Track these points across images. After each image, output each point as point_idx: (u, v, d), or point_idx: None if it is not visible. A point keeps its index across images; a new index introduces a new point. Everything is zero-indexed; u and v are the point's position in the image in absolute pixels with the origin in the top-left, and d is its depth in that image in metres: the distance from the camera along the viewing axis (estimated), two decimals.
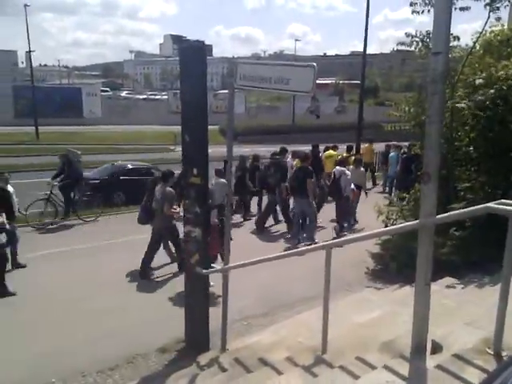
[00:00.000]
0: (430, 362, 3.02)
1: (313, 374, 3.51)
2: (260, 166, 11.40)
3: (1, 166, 18.32)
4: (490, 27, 7.53)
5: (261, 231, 10.14)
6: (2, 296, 6.61)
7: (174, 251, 7.91)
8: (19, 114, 33.82)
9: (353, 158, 11.77)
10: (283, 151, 10.98)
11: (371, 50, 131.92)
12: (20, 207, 8.89)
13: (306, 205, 9.14)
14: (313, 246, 6.87)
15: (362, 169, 10.72)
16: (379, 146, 16.92)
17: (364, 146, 15.32)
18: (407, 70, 72.41)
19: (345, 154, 12.72)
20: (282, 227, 10.38)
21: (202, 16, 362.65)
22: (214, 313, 4.95)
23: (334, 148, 13.24)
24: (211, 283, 5.52)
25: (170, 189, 7.46)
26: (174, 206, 7.50)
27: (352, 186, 9.73)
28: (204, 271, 4.82)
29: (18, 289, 6.74)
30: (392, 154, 14.01)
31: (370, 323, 4.58)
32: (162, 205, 7.33)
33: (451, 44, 6.92)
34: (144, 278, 7.39)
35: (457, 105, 6.82)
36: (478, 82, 6.89)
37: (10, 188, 8.15)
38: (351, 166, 10.44)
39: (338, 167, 9.92)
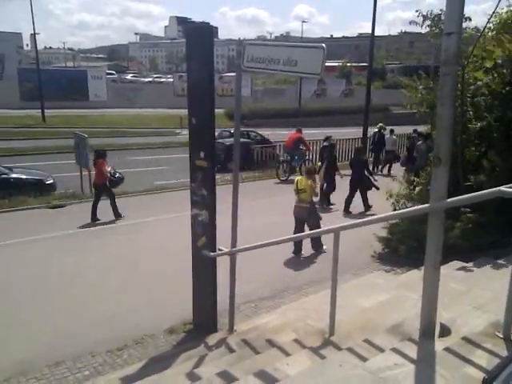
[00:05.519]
0: (439, 344, 3.03)
1: (320, 355, 3.53)
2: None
3: (7, 149, 18.47)
4: (503, 8, 7.33)
5: None
6: None
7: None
8: (25, 96, 33.63)
9: None
10: None
11: (379, 31, 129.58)
12: None
13: None
14: (319, 230, 6.87)
15: None
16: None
17: None
18: (415, 53, 71.18)
19: None
20: None
21: None
22: (222, 295, 4.97)
23: None
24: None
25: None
26: None
27: None
28: (211, 254, 4.83)
29: None
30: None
31: (378, 306, 4.59)
32: (424, 154, 10.55)
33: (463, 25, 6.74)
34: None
35: (478, 82, 6.69)
36: (499, 55, 6.70)
37: None
38: None
39: None
